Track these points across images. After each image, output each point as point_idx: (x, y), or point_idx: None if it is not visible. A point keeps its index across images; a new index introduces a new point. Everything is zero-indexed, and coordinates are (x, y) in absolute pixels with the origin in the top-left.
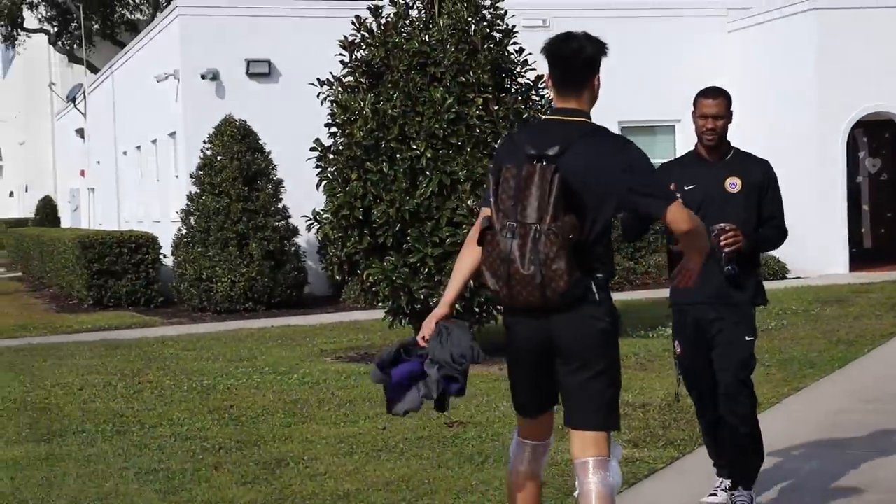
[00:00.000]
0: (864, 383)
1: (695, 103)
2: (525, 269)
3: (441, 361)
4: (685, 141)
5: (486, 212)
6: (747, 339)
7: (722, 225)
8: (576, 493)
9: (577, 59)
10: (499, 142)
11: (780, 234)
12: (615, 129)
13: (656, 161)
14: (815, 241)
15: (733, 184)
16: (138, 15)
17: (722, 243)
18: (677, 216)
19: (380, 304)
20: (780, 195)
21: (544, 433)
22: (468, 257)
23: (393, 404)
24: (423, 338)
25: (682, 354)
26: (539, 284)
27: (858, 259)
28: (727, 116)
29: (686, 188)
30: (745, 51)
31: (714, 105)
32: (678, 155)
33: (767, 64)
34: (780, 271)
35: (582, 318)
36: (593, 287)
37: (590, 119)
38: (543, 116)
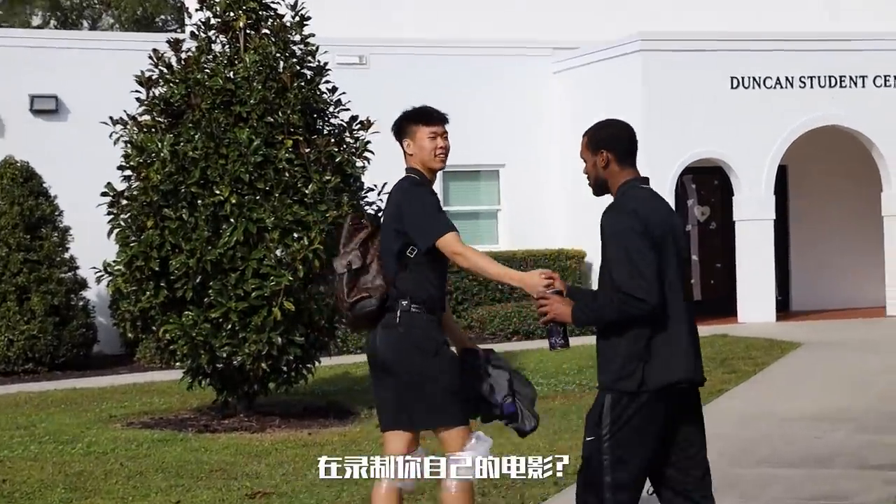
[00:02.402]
0: None
1: None
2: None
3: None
4: (509, 187)
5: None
6: (587, 438)
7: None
8: None
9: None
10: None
11: (610, 301)
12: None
13: (480, 208)
14: None
15: None
16: None
17: (538, 311)
18: (448, 242)
19: (178, 363)
20: (615, 252)
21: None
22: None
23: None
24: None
25: None
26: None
27: None
28: None
29: None
30: (571, 92)
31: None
32: (502, 202)
33: (594, 107)
34: None
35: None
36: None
37: (412, 173)
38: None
